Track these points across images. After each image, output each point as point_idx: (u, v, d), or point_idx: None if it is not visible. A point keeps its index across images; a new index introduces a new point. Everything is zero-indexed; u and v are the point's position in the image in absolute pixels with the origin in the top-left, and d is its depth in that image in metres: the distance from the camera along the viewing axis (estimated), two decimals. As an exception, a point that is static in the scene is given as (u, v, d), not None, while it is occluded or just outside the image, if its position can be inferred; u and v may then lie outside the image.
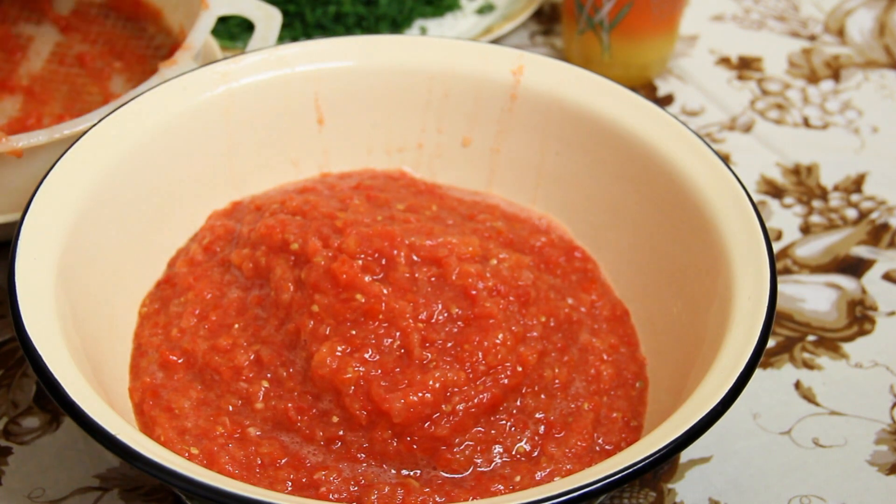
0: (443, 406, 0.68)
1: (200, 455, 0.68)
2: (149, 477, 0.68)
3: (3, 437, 0.77)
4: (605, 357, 0.76)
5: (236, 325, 0.74)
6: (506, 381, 0.69)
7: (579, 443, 0.70)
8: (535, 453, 0.69)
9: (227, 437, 0.69)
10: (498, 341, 0.70)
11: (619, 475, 0.57)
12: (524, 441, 0.70)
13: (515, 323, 0.72)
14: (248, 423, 0.70)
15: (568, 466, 0.69)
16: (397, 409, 0.66)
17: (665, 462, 0.61)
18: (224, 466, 0.67)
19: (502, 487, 0.67)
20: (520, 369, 0.70)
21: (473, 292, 0.72)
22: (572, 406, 0.72)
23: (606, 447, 0.71)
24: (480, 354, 0.69)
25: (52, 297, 0.66)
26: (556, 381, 0.73)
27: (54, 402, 0.59)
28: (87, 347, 0.68)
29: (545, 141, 0.84)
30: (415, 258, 0.74)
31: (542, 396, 0.71)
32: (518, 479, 0.68)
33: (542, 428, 0.70)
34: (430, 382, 0.67)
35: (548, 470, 0.68)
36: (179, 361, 0.74)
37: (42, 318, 0.65)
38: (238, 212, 0.82)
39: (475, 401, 0.68)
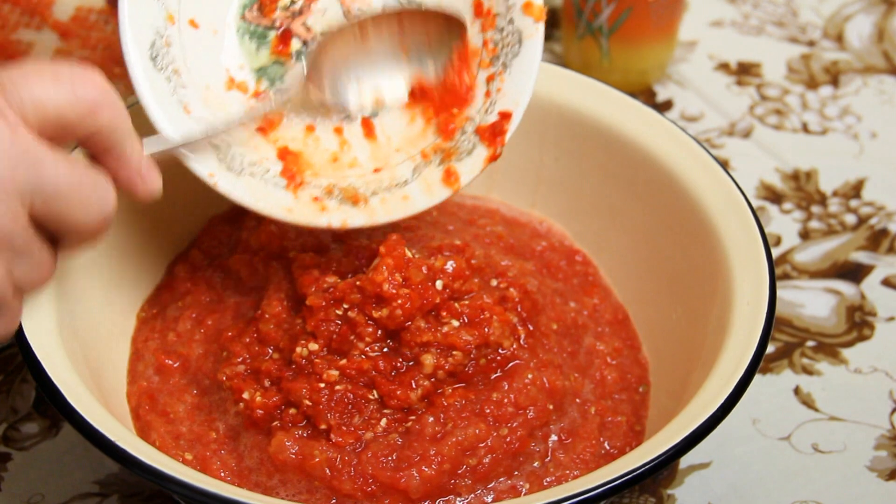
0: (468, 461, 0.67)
1: (194, 460, 0.68)
2: (148, 482, 0.68)
3: (2, 443, 0.77)
4: (610, 360, 0.76)
5: (230, 333, 0.74)
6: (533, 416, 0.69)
7: (586, 448, 0.70)
8: (546, 459, 0.69)
9: (220, 443, 0.69)
10: (527, 381, 0.69)
11: (618, 481, 0.57)
12: (537, 452, 0.69)
13: (535, 357, 0.71)
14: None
15: (576, 472, 0.68)
16: (414, 485, 0.65)
17: (664, 468, 0.61)
18: (217, 472, 0.67)
19: (509, 495, 0.67)
20: (551, 407, 0.70)
21: (485, 328, 0.70)
22: (579, 411, 0.72)
23: (612, 451, 0.71)
24: (507, 399, 0.68)
25: (51, 302, 0.66)
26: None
27: (53, 408, 0.59)
28: (86, 352, 0.68)
29: (544, 147, 0.84)
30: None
31: (550, 407, 0.71)
32: (528, 486, 0.68)
33: (554, 436, 0.70)
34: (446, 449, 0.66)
35: (555, 476, 0.68)
36: (175, 365, 0.74)
37: (41, 323, 0.65)
38: (238, 217, 0.82)
39: (503, 448, 0.67)
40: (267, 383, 0.69)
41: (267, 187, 0.72)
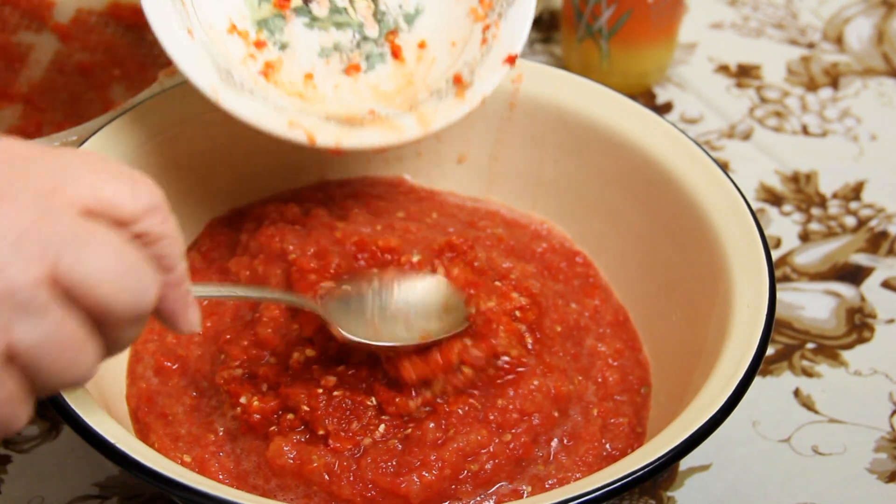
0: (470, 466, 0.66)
1: (192, 462, 0.68)
2: (148, 485, 0.68)
3: (2, 445, 0.77)
4: (611, 362, 0.75)
5: (228, 336, 0.74)
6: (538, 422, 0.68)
7: (589, 451, 0.69)
8: (549, 462, 0.69)
9: (219, 446, 0.69)
10: (533, 387, 0.68)
11: (617, 484, 0.57)
12: (540, 456, 0.69)
13: (542, 363, 0.70)
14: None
15: (577, 475, 0.68)
16: (415, 491, 0.64)
17: (664, 470, 0.61)
18: (215, 475, 0.67)
19: (510, 498, 0.67)
20: (556, 414, 0.69)
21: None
22: (582, 413, 0.72)
23: (614, 453, 0.70)
24: (512, 406, 0.68)
25: (51, 305, 0.66)
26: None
27: (53, 411, 0.59)
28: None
29: (544, 149, 0.84)
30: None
31: (556, 414, 0.70)
32: (529, 489, 0.67)
33: (555, 440, 0.70)
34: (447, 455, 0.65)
35: (557, 478, 0.68)
36: (174, 367, 0.74)
37: (41, 326, 0.64)
38: (237, 219, 0.82)
39: (506, 453, 0.67)
40: (264, 388, 0.69)
41: (267, 107, 0.73)
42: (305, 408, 0.67)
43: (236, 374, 0.70)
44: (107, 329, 0.50)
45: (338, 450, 0.65)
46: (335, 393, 0.67)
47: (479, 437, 0.66)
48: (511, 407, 0.67)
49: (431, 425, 0.66)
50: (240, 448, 0.68)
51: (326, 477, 0.64)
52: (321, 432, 0.66)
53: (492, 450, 0.66)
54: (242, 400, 0.68)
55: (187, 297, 0.56)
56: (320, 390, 0.67)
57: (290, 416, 0.67)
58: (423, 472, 0.64)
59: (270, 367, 0.69)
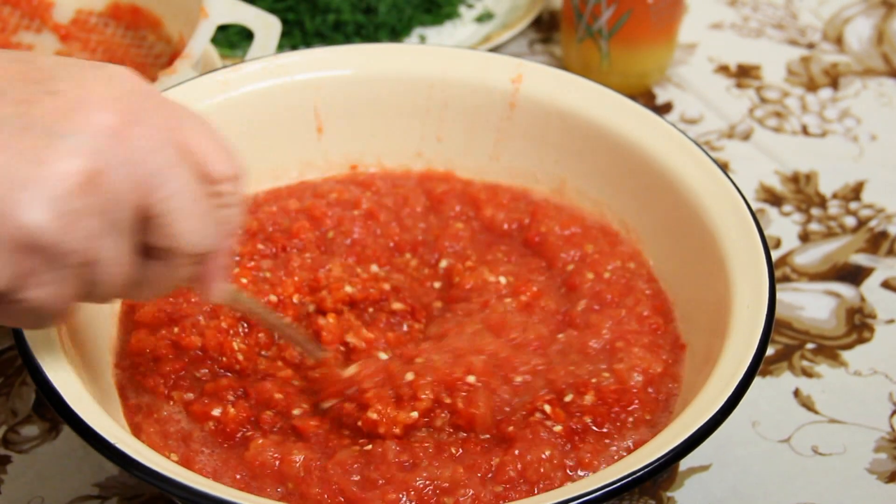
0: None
1: (180, 461, 0.67)
2: (148, 485, 0.67)
3: (2, 445, 0.77)
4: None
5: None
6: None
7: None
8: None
9: (202, 443, 0.68)
10: (544, 457, 0.65)
11: (617, 484, 0.57)
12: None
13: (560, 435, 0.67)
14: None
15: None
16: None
17: (664, 470, 0.61)
18: (200, 473, 0.66)
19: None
20: (572, 461, 0.66)
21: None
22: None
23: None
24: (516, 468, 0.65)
25: (51, 305, 0.66)
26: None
27: (53, 411, 0.59)
28: (85, 355, 0.68)
29: (544, 149, 0.84)
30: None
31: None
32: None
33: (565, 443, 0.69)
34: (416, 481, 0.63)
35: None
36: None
37: (41, 326, 0.65)
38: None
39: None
40: (231, 397, 0.69)
41: None
42: (279, 396, 0.68)
43: (188, 397, 0.70)
44: (158, 264, 0.56)
45: (311, 447, 0.65)
46: (294, 382, 0.69)
47: (453, 474, 0.63)
48: (513, 465, 0.64)
49: (396, 447, 0.64)
50: (217, 458, 0.67)
51: (302, 473, 0.64)
52: (296, 412, 0.67)
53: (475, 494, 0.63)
54: (216, 413, 0.68)
55: (225, 268, 0.60)
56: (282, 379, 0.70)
57: (268, 413, 0.67)
58: (390, 493, 0.62)
59: (229, 379, 0.70)
